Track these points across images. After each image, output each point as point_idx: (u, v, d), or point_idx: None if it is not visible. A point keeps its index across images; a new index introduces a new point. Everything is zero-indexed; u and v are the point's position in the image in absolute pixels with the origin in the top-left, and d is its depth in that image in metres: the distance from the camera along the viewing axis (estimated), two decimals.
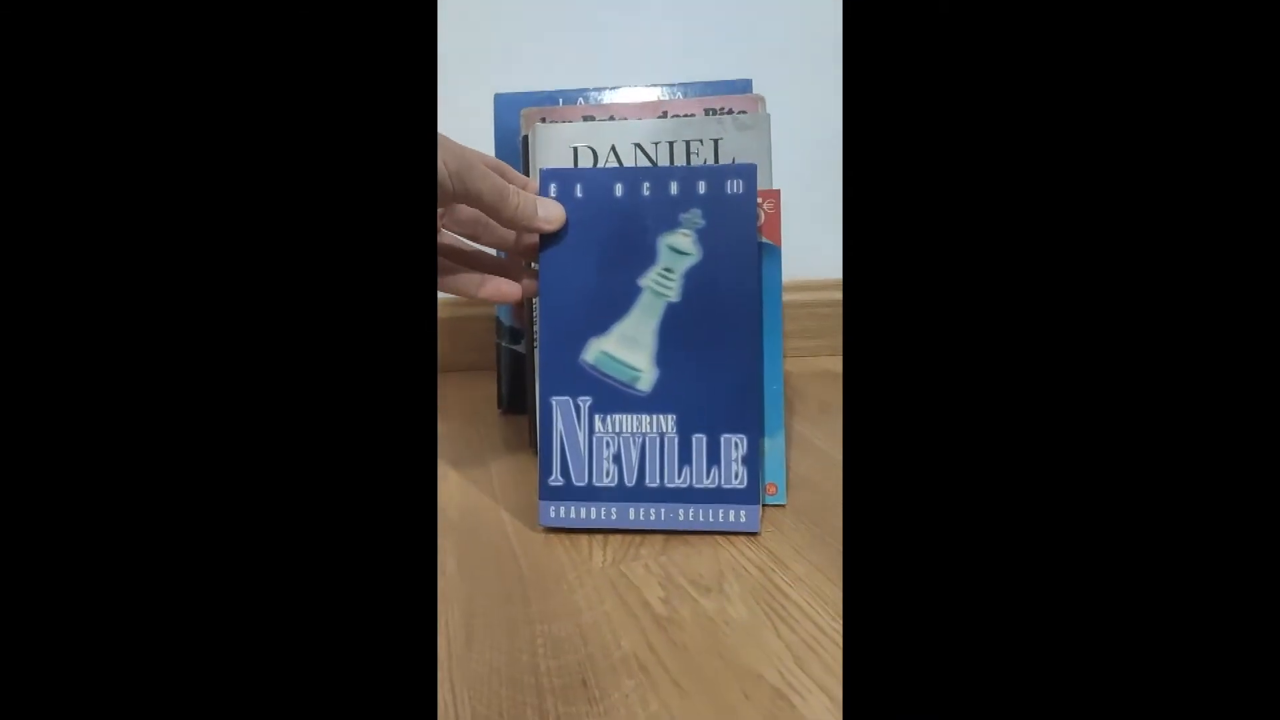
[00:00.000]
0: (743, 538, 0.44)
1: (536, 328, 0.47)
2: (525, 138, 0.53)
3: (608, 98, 0.60)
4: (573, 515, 0.44)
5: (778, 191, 0.46)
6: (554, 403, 0.44)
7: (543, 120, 0.54)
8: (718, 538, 0.44)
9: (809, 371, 0.80)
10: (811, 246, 0.84)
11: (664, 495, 0.44)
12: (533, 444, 0.58)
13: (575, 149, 0.51)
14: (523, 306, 0.66)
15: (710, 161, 0.50)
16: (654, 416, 0.44)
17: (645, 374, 0.44)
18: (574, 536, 0.45)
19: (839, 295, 0.86)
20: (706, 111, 0.54)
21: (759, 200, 0.46)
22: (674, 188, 0.44)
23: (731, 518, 0.44)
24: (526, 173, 0.53)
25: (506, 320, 0.67)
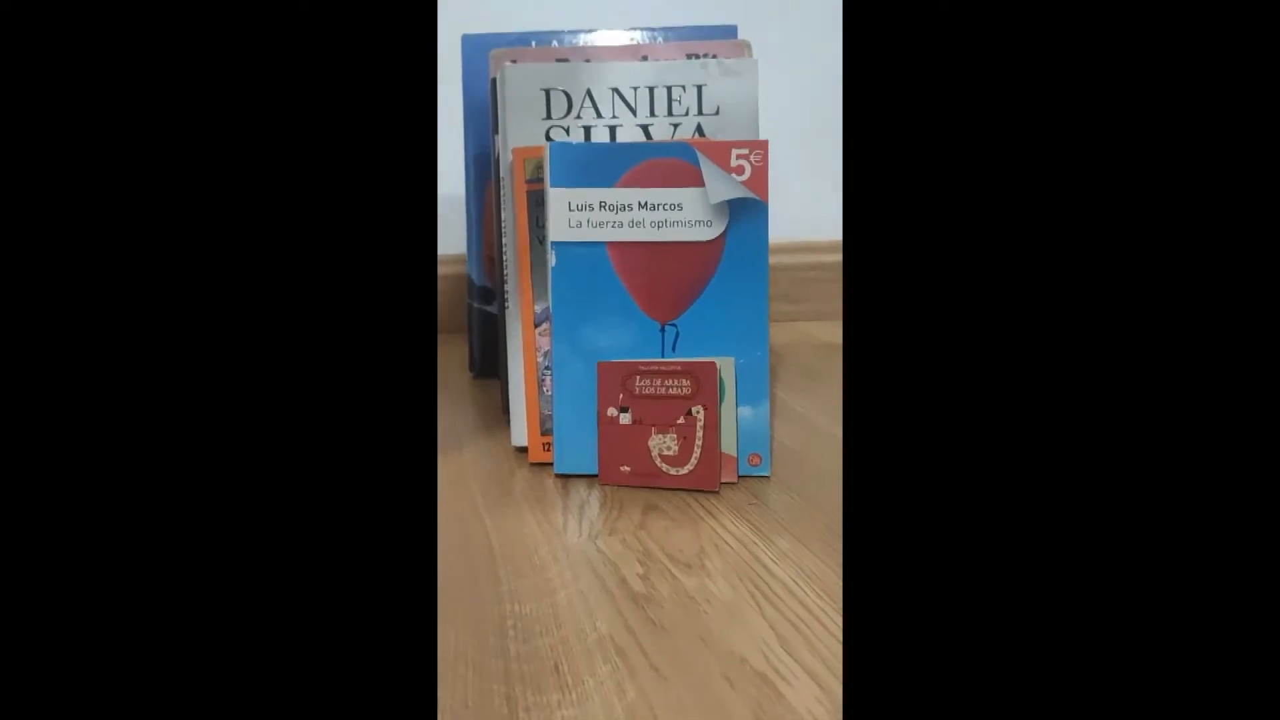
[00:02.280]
0: (725, 511, 0.42)
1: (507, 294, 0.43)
2: (493, 81, 0.50)
3: (583, 40, 0.56)
4: None
5: (765, 142, 0.43)
6: None
7: (513, 62, 0.50)
8: (699, 510, 0.42)
9: (791, 337, 0.78)
10: (795, 207, 0.81)
11: None
12: (505, 410, 0.56)
13: (548, 92, 0.47)
14: (493, 264, 0.63)
15: (693, 110, 0.47)
16: None
17: None
18: (547, 509, 0.42)
19: (823, 258, 0.83)
20: (688, 57, 0.50)
21: (745, 151, 0.43)
22: None
23: None
24: (494, 120, 0.50)
25: (478, 280, 0.64)
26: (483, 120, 0.61)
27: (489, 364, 0.65)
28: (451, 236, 0.79)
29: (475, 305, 0.64)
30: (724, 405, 0.44)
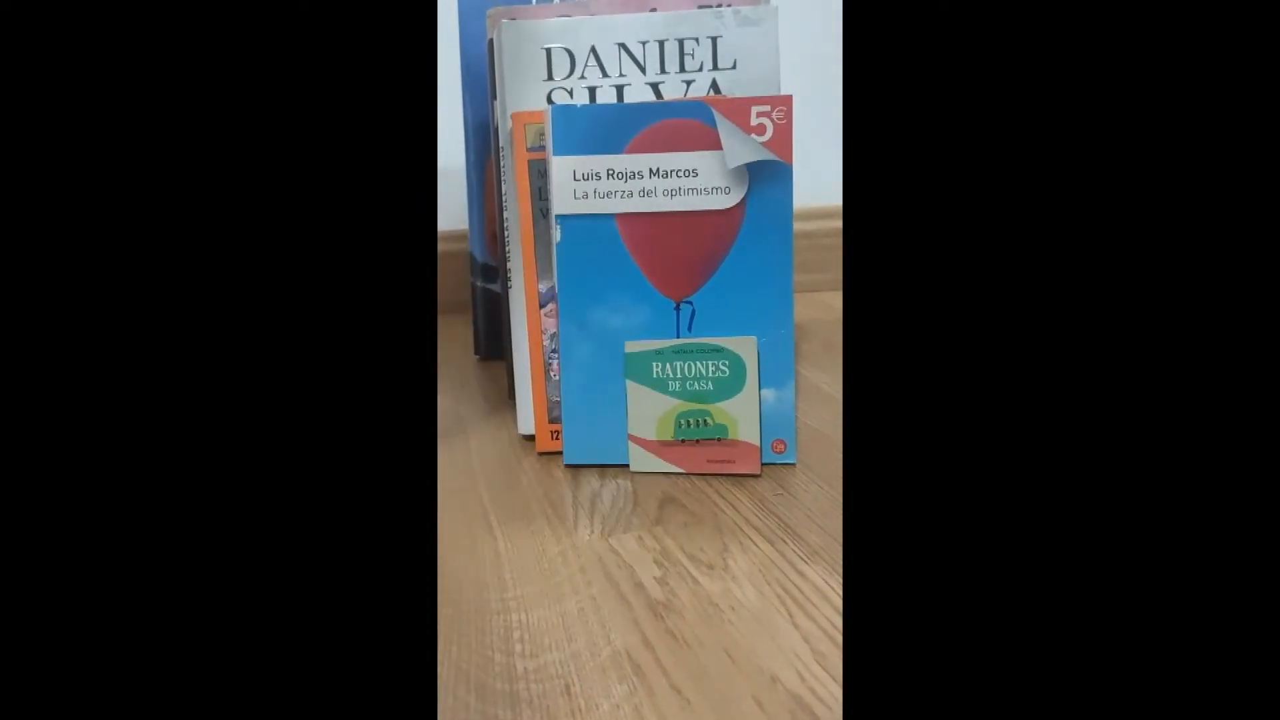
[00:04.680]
0: (747, 503, 0.38)
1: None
2: (491, 42, 0.46)
3: None
4: None
5: (789, 98, 0.39)
6: None
7: (510, 20, 0.46)
8: (720, 503, 0.39)
9: (813, 310, 0.74)
10: (813, 168, 0.77)
11: None
12: (511, 394, 0.53)
13: (549, 51, 0.43)
14: (496, 240, 0.60)
15: (707, 64, 0.43)
16: None
17: None
18: (556, 503, 0.39)
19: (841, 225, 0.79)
20: (700, 6, 0.46)
21: (767, 109, 0.39)
22: None
23: None
24: (492, 84, 0.46)
25: (480, 256, 0.60)
26: (482, 86, 0.57)
27: (494, 345, 0.62)
28: (452, 211, 0.75)
29: (478, 284, 0.61)
30: (744, 391, 0.40)
